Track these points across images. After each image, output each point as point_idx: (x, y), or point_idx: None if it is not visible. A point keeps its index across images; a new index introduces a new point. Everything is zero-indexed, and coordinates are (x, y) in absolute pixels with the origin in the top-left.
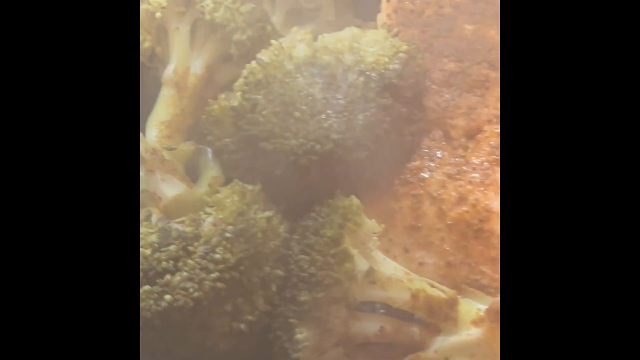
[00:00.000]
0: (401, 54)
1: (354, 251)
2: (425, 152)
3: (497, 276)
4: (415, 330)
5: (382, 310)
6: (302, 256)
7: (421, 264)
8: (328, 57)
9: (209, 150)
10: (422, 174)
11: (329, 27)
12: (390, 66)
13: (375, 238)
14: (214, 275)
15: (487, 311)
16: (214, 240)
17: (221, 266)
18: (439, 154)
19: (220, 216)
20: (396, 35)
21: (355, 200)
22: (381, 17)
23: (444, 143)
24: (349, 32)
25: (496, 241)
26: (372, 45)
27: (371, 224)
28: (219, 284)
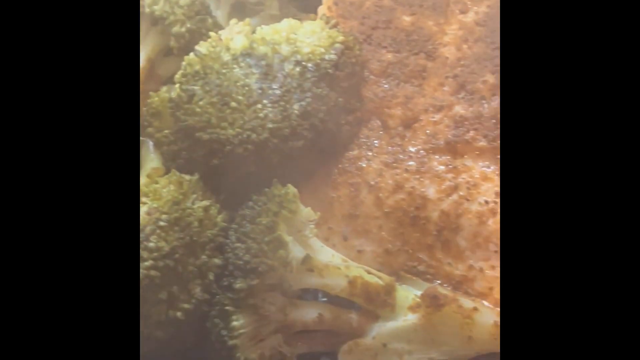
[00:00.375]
0: (337, 45)
1: (288, 238)
2: (364, 141)
3: (434, 262)
4: (353, 317)
5: (324, 299)
6: (238, 244)
7: (360, 251)
8: (265, 48)
9: (150, 142)
10: (360, 162)
11: (272, 20)
12: (326, 56)
13: (312, 226)
14: (147, 263)
15: (422, 296)
16: (148, 229)
17: (155, 254)
18: (376, 142)
19: (155, 205)
20: (334, 26)
21: (291, 189)
22: (322, 10)
23: (381, 132)
24: (287, 23)
25: (432, 228)
26: (309, 36)
27: (307, 212)
28: (153, 272)
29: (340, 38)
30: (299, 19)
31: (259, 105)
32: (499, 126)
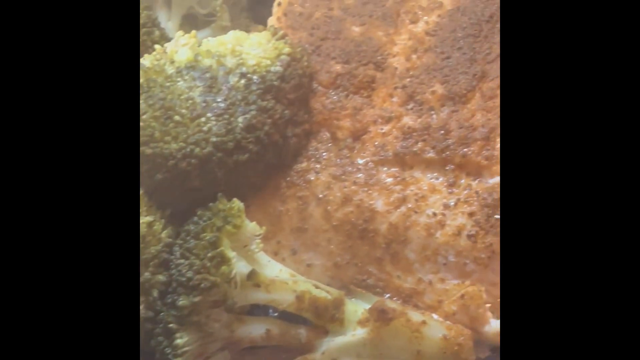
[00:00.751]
0: (283, 56)
1: (232, 254)
2: (312, 153)
3: (383, 275)
4: (302, 332)
5: (275, 313)
6: (182, 260)
7: (309, 265)
8: (210, 61)
9: None
10: (308, 175)
11: (224, 31)
12: (272, 68)
13: (258, 240)
14: None
15: (370, 310)
16: None
17: None
18: (325, 155)
19: None
20: (282, 37)
21: (237, 203)
22: (272, 21)
23: (330, 144)
24: (233, 35)
25: (381, 240)
26: (255, 48)
27: (252, 226)
28: None
29: (287, 50)
30: (251, 30)
31: (203, 119)
32: (447, 137)
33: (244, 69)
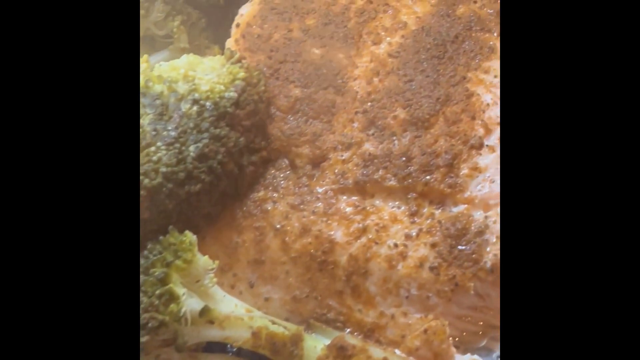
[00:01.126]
0: (238, 82)
1: (181, 291)
2: (270, 181)
3: (344, 309)
4: None
5: (233, 349)
6: None
7: (267, 299)
8: (161, 87)
9: None
10: (265, 205)
11: (182, 53)
12: (226, 94)
13: (211, 275)
14: None
15: (329, 347)
16: None
17: None
18: (283, 183)
19: None
20: (238, 61)
21: (188, 236)
22: (230, 43)
23: (288, 172)
24: (186, 59)
25: (341, 273)
26: (208, 72)
27: (204, 260)
28: None
29: (242, 74)
30: (210, 52)
31: (153, 148)
32: (409, 164)
33: (196, 95)
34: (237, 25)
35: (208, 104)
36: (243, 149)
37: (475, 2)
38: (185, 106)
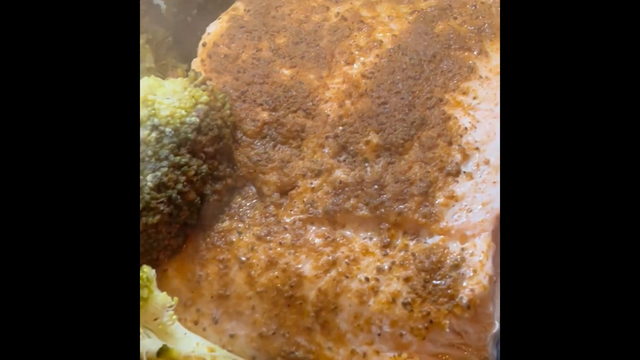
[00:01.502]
0: (200, 106)
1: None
2: (236, 211)
3: (313, 347)
4: None
5: None
6: None
7: (232, 336)
8: None
9: None
10: (230, 236)
11: (148, 74)
12: (187, 119)
13: (170, 312)
14: None
15: None
16: None
17: None
18: (249, 213)
19: None
20: (202, 83)
21: (146, 271)
22: (195, 63)
23: (255, 201)
24: (146, 82)
25: (310, 308)
26: (169, 96)
27: (162, 297)
28: None
29: (205, 98)
30: (177, 72)
31: None
32: (381, 192)
33: (155, 121)
34: (204, 45)
35: (168, 129)
36: (206, 177)
37: (455, 19)
38: (143, 132)
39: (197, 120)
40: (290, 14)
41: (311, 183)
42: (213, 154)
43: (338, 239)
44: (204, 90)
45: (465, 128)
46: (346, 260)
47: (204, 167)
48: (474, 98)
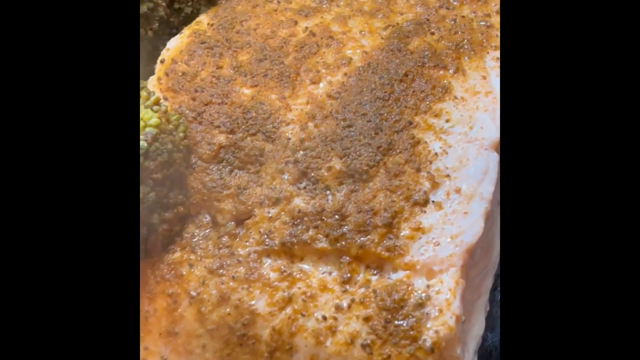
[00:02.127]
0: (149, 129)
1: None
2: (188, 241)
3: None
4: None
5: None
6: None
7: None
8: None
9: None
10: (180, 269)
11: None
12: None
13: None
14: None
15: None
16: None
17: None
18: (202, 243)
19: None
20: (155, 104)
21: None
22: (151, 82)
23: (209, 230)
24: None
25: (264, 348)
26: None
27: None
28: None
29: (154, 120)
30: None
31: None
32: (343, 223)
33: None
34: (162, 62)
35: None
36: (153, 206)
37: (432, 34)
38: None
39: (145, 144)
40: (256, 28)
41: (268, 212)
42: (162, 180)
43: (295, 273)
44: (155, 112)
45: (436, 154)
46: (303, 296)
47: (151, 194)
48: (447, 121)
